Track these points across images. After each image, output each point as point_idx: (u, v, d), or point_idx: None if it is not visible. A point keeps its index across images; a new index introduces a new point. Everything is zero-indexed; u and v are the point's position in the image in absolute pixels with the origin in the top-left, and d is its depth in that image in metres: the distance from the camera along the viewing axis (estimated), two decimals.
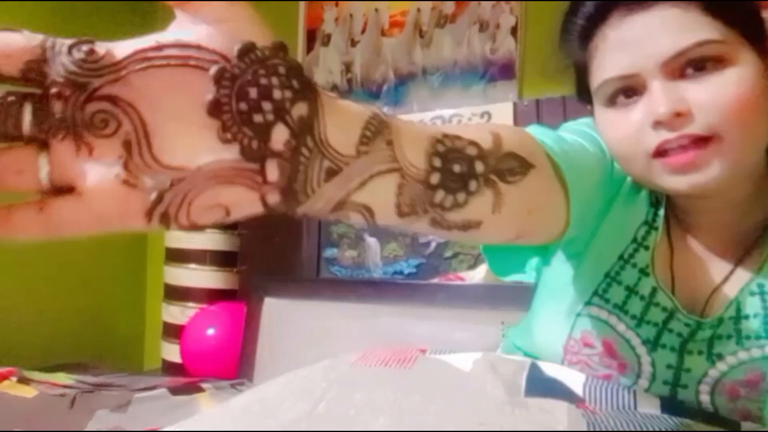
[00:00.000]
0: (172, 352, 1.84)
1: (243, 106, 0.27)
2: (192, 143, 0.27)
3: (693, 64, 0.53)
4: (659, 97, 0.53)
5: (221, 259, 1.91)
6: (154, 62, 0.26)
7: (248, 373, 1.59)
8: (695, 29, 0.53)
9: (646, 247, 0.64)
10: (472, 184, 0.37)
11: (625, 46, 0.55)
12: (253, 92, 0.27)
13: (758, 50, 0.55)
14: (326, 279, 1.82)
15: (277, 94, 0.28)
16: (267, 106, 0.27)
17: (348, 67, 1.85)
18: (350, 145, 0.31)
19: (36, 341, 1.80)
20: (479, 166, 0.38)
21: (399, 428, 0.50)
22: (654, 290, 0.62)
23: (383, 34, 1.80)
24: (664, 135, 0.53)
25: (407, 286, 1.53)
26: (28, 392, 1.24)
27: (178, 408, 1.16)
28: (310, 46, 1.92)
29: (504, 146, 0.40)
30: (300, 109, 0.28)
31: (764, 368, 0.58)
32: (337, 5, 1.88)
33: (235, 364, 1.64)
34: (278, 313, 1.64)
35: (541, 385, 0.61)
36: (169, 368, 1.86)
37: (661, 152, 0.54)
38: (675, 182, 0.55)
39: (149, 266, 2.18)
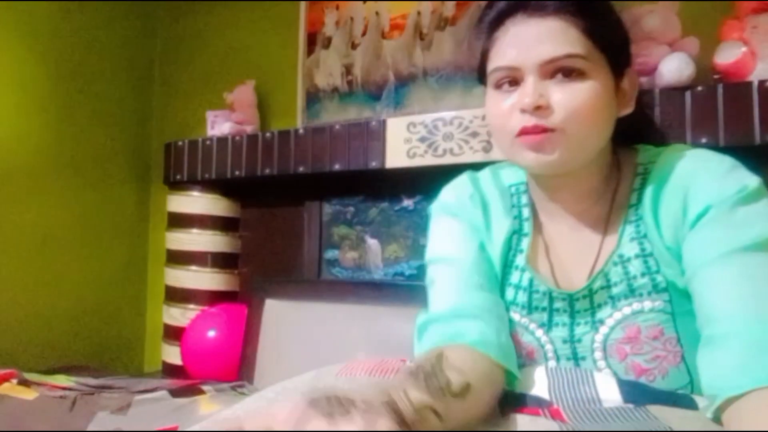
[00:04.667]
0: (172, 354, 1.84)
1: None
2: None
3: (562, 70, 0.68)
4: (529, 90, 0.68)
5: (222, 261, 1.91)
6: None
7: (249, 375, 1.59)
8: (570, 43, 0.67)
9: (521, 250, 0.79)
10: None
11: (517, 42, 0.69)
12: None
13: (614, 72, 0.71)
14: (327, 280, 1.82)
15: None
16: None
17: (348, 70, 1.85)
18: None
19: (36, 343, 1.80)
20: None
21: None
22: (531, 280, 0.76)
23: (384, 36, 1.81)
24: (526, 121, 0.68)
25: (408, 288, 1.53)
26: (29, 394, 1.23)
27: (179, 410, 1.16)
28: (310, 49, 1.92)
29: None
30: None
31: (637, 322, 0.70)
32: (337, 8, 1.88)
33: (235, 366, 1.64)
34: (279, 314, 1.64)
35: (513, 401, 0.67)
36: (170, 370, 1.86)
37: (521, 133, 0.69)
38: (528, 158, 0.70)
39: (150, 268, 2.18)
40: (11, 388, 1.27)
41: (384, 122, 1.58)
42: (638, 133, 0.81)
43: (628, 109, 0.75)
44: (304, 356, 1.51)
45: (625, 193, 0.75)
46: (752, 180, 0.66)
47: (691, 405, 0.65)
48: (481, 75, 0.78)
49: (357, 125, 1.63)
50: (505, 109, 0.71)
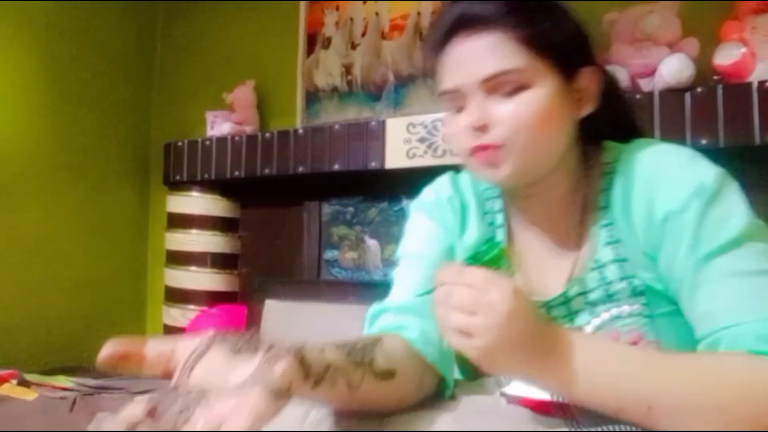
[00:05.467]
0: None
1: None
2: None
3: (502, 85, 0.67)
4: (472, 110, 0.68)
5: (222, 262, 1.91)
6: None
7: None
8: (506, 58, 0.67)
9: None
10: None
11: (456, 65, 0.69)
12: None
13: (565, 74, 0.69)
14: (327, 281, 1.82)
15: None
16: None
17: (348, 70, 1.85)
18: None
19: (36, 344, 1.80)
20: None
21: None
22: None
23: (383, 37, 1.81)
24: (474, 139, 0.68)
25: None
26: (29, 395, 1.24)
27: None
28: (310, 49, 1.92)
29: None
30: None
31: (616, 327, 0.68)
32: (337, 9, 1.88)
33: None
34: (279, 315, 1.64)
35: (515, 397, 0.67)
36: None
37: (472, 152, 0.69)
38: (484, 174, 0.71)
39: (150, 268, 2.18)
40: (11, 389, 1.27)
41: (383, 122, 1.58)
42: (612, 131, 0.78)
43: (588, 109, 0.72)
44: None
45: (594, 195, 0.74)
46: (710, 174, 0.65)
47: None
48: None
49: (356, 125, 1.63)
50: (458, 130, 0.71)
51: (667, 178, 0.66)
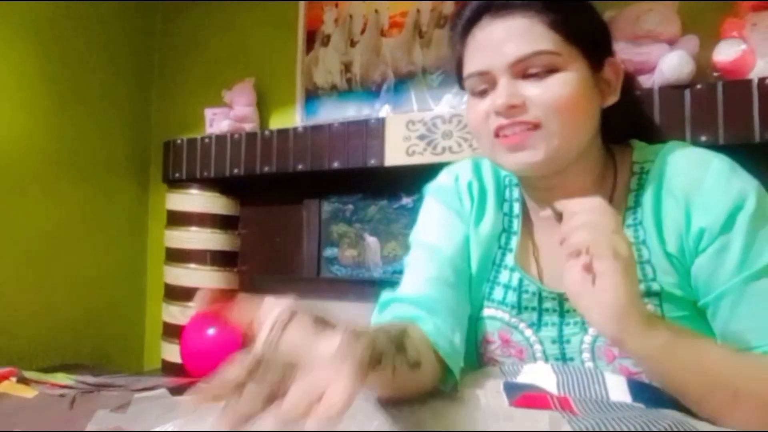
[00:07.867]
0: (171, 352, 1.84)
1: None
2: None
3: (533, 68, 0.67)
4: (501, 91, 0.67)
5: (222, 259, 1.91)
6: None
7: None
8: (537, 40, 0.67)
9: (511, 250, 0.78)
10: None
11: (485, 47, 0.70)
12: None
13: (591, 63, 0.69)
14: (326, 278, 1.82)
15: None
16: None
17: (347, 67, 1.85)
18: None
19: (36, 342, 1.80)
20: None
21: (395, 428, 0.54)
22: (521, 280, 0.76)
23: (383, 34, 1.80)
24: (501, 120, 0.68)
25: None
26: (28, 392, 1.24)
27: (178, 408, 1.16)
28: (309, 46, 1.92)
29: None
30: None
31: None
32: (336, 6, 1.88)
33: None
34: None
35: (518, 388, 0.67)
36: (169, 368, 1.86)
37: (498, 134, 0.69)
38: (508, 160, 0.69)
39: (149, 266, 2.18)
40: (11, 387, 1.27)
41: (383, 120, 1.58)
42: (633, 130, 0.79)
43: (613, 99, 0.72)
44: None
45: (622, 194, 0.73)
46: (751, 188, 0.65)
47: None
48: (460, 83, 0.77)
49: (356, 123, 1.63)
50: (480, 113, 0.70)
51: (707, 188, 0.66)
